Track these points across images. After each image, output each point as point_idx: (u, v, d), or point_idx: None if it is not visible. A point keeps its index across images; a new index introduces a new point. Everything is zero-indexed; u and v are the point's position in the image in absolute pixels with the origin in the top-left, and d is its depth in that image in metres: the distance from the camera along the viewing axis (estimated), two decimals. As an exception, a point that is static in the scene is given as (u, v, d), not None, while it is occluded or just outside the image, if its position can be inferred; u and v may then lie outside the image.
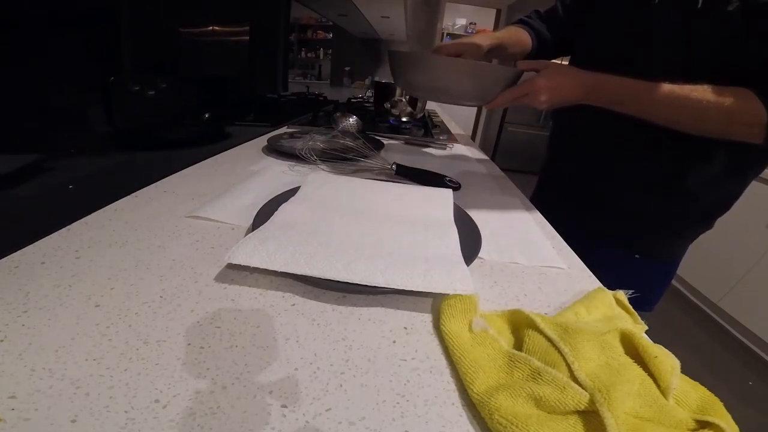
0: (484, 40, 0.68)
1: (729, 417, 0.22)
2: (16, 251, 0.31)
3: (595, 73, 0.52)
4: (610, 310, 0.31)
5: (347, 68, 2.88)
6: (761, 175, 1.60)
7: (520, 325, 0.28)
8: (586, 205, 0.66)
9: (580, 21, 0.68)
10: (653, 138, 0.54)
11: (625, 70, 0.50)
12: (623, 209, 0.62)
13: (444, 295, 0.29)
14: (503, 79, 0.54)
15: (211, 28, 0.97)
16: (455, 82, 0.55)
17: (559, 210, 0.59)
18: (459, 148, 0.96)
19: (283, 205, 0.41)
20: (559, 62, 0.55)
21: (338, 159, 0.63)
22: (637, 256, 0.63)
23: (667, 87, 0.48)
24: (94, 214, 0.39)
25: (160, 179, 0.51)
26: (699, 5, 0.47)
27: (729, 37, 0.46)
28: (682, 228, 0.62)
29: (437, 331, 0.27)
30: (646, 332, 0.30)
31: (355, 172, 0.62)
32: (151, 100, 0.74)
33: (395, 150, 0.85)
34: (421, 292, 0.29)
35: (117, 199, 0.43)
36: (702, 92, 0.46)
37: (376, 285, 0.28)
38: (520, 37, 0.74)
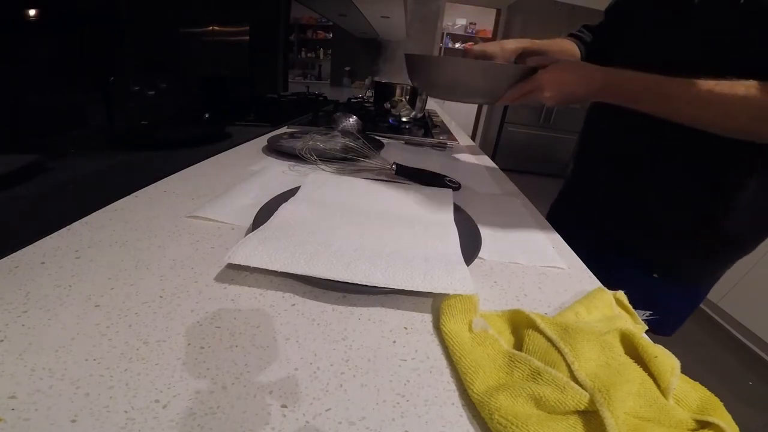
0: (510, 44, 0.67)
1: (729, 417, 0.22)
2: (16, 251, 0.31)
3: (608, 68, 0.49)
4: (610, 310, 0.31)
5: (347, 68, 2.88)
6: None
7: (520, 325, 0.28)
8: (609, 217, 0.62)
9: (619, 36, 0.63)
10: (682, 146, 0.51)
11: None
12: (647, 223, 0.57)
13: (444, 295, 0.29)
14: (510, 76, 0.54)
15: (211, 28, 0.97)
16: (465, 80, 0.57)
17: (580, 222, 0.55)
18: (459, 148, 0.96)
19: (283, 205, 0.41)
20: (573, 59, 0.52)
21: (338, 159, 0.63)
22: (655, 275, 0.58)
23: (687, 81, 0.44)
24: (94, 214, 0.39)
25: (160, 179, 0.51)
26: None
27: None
28: (707, 248, 0.56)
29: (437, 331, 0.27)
30: (646, 332, 0.30)
31: (355, 172, 0.62)
32: (151, 100, 0.74)
33: (395, 150, 0.85)
34: (422, 292, 0.29)
35: (117, 199, 0.43)
36: (728, 87, 0.42)
37: (377, 285, 0.28)
38: (562, 45, 0.71)
